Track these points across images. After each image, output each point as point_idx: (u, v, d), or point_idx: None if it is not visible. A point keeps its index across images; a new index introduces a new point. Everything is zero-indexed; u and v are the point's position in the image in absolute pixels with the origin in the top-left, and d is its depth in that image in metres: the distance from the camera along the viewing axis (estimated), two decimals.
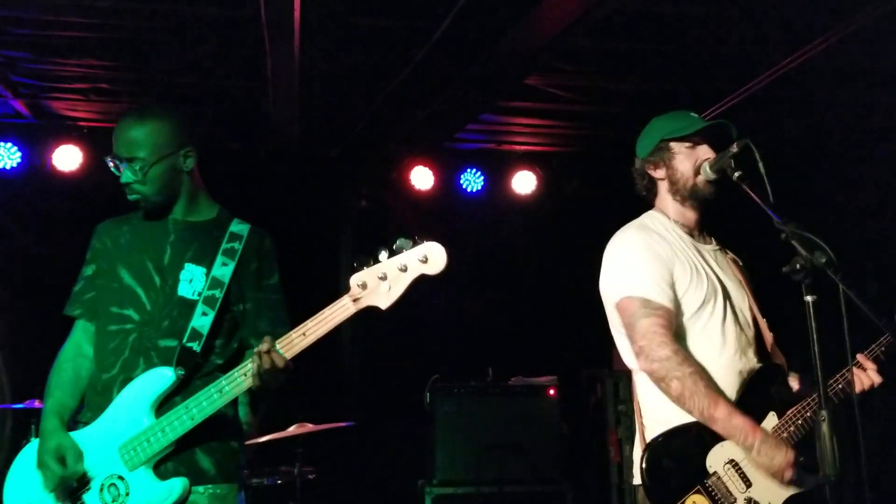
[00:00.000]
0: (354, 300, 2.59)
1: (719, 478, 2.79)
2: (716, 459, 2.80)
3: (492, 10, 4.57)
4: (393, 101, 5.83)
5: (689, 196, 3.05)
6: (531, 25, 4.65)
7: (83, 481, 2.76)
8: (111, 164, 2.89)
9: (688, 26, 5.14)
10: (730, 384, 2.89)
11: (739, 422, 2.74)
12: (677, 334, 2.87)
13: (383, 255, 2.57)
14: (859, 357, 2.96)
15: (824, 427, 2.30)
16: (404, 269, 2.55)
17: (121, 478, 2.72)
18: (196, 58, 5.59)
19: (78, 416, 2.90)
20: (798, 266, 2.37)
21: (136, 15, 4.97)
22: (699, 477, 2.78)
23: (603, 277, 3.02)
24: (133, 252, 2.93)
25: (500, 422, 5.97)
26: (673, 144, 3.05)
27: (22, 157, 6.66)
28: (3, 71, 5.77)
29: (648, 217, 3.13)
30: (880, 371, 2.94)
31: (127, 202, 3.00)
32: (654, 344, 2.80)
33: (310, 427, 5.03)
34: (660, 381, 2.80)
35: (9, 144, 6.64)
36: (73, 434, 2.83)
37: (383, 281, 2.56)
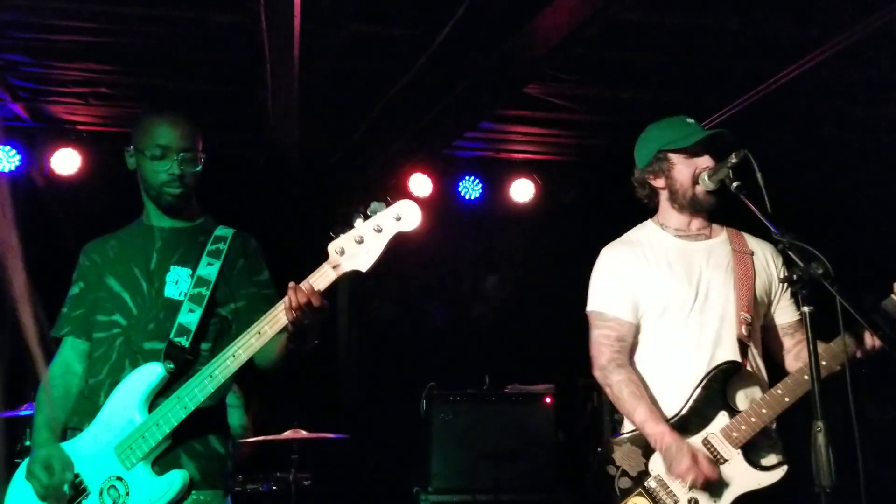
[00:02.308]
0: (334, 267, 2.59)
1: (661, 480, 2.88)
2: (658, 463, 2.90)
3: (491, 18, 4.58)
4: (392, 108, 5.84)
5: (688, 205, 3.07)
6: (530, 35, 4.66)
7: (81, 489, 2.75)
8: (149, 156, 2.88)
9: (686, 37, 5.16)
10: (688, 383, 2.95)
11: (650, 429, 2.88)
12: (633, 343, 3.05)
13: (359, 220, 2.58)
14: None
15: (820, 437, 2.31)
16: (379, 230, 2.56)
17: (120, 478, 2.71)
18: (195, 63, 5.60)
19: (67, 423, 2.89)
20: (795, 277, 2.39)
21: (136, 20, 4.97)
22: (641, 480, 2.90)
23: None
24: (120, 262, 2.96)
25: (496, 429, 5.97)
26: (671, 155, 3.06)
27: (21, 161, 6.66)
28: (3, 74, 5.77)
29: (638, 229, 3.21)
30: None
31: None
32: (598, 353, 3.04)
33: (304, 434, 5.02)
34: (602, 387, 3.04)
35: (8, 147, 6.64)
36: (67, 443, 2.83)
37: (360, 244, 2.56)
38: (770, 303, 3.14)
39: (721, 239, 3.15)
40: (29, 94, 6.15)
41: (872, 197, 6.86)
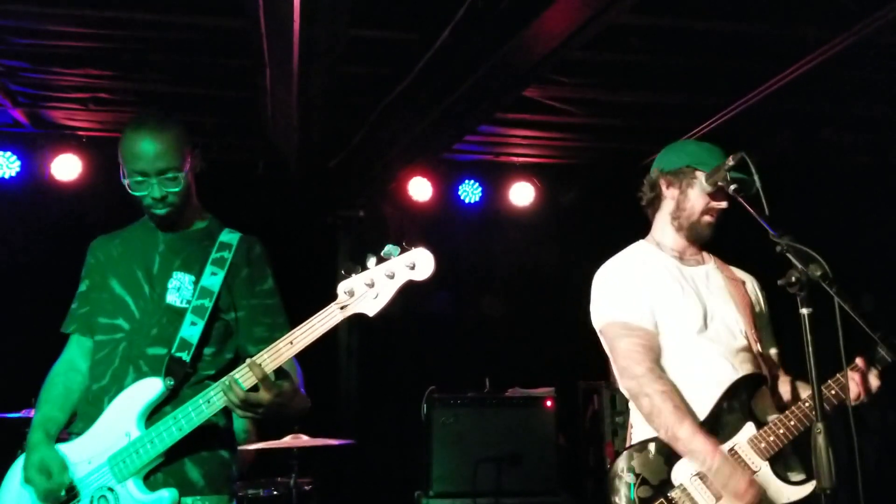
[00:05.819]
0: (342, 307, 2.58)
1: (685, 490, 2.81)
2: (681, 472, 2.83)
3: (490, 22, 4.58)
4: (391, 112, 5.84)
5: (686, 229, 3.08)
6: (529, 38, 4.66)
7: (73, 493, 2.75)
8: (129, 182, 2.84)
9: (684, 40, 5.17)
10: (709, 396, 2.91)
11: (699, 444, 2.78)
12: (660, 354, 2.95)
13: (371, 262, 2.57)
14: (858, 360, 2.92)
15: (820, 439, 2.30)
16: (392, 276, 2.55)
17: (111, 489, 2.71)
18: (195, 68, 5.61)
19: (70, 428, 2.89)
20: (793, 279, 2.38)
21: (135, 25, 4.98)
22: (664, 489, 2.83)
23: (591, 308, 3.12)
24: (124, 263, 2.95)
25: (497, 433, 5.96)
26: (699, 174, 3.04)
27: (21, 167, 6.67)
28: (3, 80, 5.78)
29: (635, 248, 3.18)
30: (881, 376, 2.90)
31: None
32: (632, 362, 2.90)
33: (305, 439, 5.02)
34: (633, 397, 2.91)
35: (8, 153, 6.64)
36: (64, 445, 2.83)
37: (370, 288, 2.56)
38: (760, 331, 3.14)
39: (713, 265, 3.16)
40: (29, 100, 6.16)
41: (873, 199, 6.86)
